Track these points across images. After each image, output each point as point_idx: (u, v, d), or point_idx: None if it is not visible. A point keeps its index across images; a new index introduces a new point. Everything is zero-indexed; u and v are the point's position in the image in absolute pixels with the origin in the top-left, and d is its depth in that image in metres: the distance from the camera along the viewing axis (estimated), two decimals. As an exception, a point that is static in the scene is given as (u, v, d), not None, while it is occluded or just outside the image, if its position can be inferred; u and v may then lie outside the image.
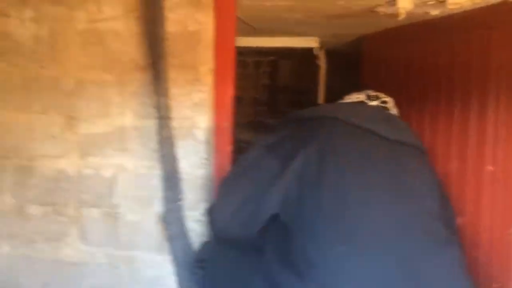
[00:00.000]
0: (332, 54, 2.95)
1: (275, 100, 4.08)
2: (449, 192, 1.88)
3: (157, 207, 1.74)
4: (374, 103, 1.30)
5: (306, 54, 2.86)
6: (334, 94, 2.03)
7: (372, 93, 1.34)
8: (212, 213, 1.29)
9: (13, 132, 1.82)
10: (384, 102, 1.39)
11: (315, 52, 2.71)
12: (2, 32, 1.76)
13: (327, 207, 1.06)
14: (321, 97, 3.13)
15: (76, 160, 1.80)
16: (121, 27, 1.69)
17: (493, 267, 1.73)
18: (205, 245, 1.45)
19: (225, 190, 1.28)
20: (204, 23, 1.63)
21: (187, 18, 1.63)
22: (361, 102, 1.30)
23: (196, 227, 1.72)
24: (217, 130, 1.71)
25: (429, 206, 1.24)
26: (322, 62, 2.91)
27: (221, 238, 1.32)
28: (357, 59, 2.61)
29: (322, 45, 2.75)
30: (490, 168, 1.73)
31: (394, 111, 1.37)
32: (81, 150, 1.78)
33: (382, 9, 1.83)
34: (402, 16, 1.76)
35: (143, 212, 1.76)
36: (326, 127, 1.19)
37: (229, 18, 1.66)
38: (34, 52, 1.76)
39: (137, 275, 1.78)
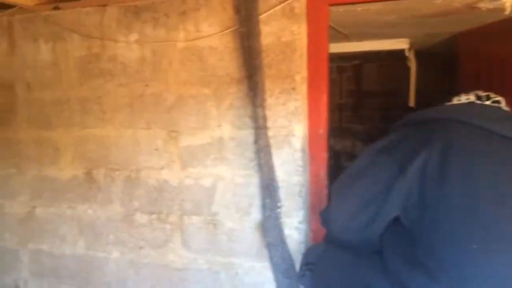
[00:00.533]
0: (422, 54, 2.87)
1: (360, 105, 4.05)
2: None
3: (255, 214, 1.82)
4: (487, 103, 1.25)
5: (394, 56, 2.82)
6: (426, 96, 1.99)
7: (481, 93, 1.29)
8: (328, 217, 1.31)
9: (120, 147, 2.01)
10: (497, 101, 1.33)
11: (406, 53, 2.66)
12: (112, 55, 1.96)
13: (456, 206, 1.04)
14: (411, 99, 3.06)
15: (177, 171, 1.94)
16: (217, 43, 1.80)
17: None
18: (314, 248, 1.49)
19: (340, 193, 1.29)
20: (297, 33, 1.69)
21: (281, 29, 1.70)
22: (472, 103, 1.26)
23: (293, 234, 1.77)
24: (312, 138, 1.76)
25: None
26: (412, 64, 2.84)
27: (334, 241, 1.35)
28: (450, 58, 2.52)
29: (412, 46, 2.69)
30: None
31: (508, 110, 1.31)
32: (182, 161, 1.92)
33: (484, 5, 1.76)
34: (507, 10, 1.69)
35: (241, 220, 1.85)
36: (443, 128, 1.17)
37: (322, 27, 1.71)
38: (139, 72, 1.93)
39: (237, 281, 1.87)
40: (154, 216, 1.99)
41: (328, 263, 1.34)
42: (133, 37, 1.92)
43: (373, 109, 4.01)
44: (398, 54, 2.71)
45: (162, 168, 1.95)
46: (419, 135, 1.16)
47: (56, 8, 2.01)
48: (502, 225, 1.00)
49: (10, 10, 2.04)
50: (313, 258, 1.42)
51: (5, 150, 2.16)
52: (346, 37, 2.53)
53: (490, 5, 1.74)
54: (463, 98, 1.26)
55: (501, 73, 2.09)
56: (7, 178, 2.18)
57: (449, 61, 2.55)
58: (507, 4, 1.64)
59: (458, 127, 1.15)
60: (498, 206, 1.01)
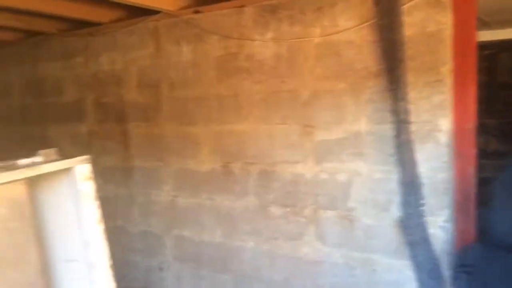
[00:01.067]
0: None
1: (495, 98, 3.74)
2: None
3: (394, 211, 1.81)
4: None
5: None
6: None
7: None
8: (494, 219, 1.29)
9: (256, 141, 2.12)
10: None
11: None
12: (248, 54, 2.07)
13: None
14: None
15: (312, 165, 1.99)
16: (354, 37, 1.81)
17: None
18: (470, 250, 1.45)
19: (503, 199, 1.25)
20: (443, 23, 1.64)
21: (426, 19, 1.66)
22: None
23: (438, 233, 1.73)
24: (458, 133, 1.69)
25: None
26: None
27: (496, 243, 1.31)
28: None
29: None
30: None
31: None
32: (317, 156, 1.97)
33: None
34: None
35: (379, 216, 1.85)
36: None
37: (470, 15, 1.63)
38: (275, 69, 2.02)
39: (374, 277, 1.88)
40: (288, 209, 2.08)
41: (489, 265, 1.30)
42: (269, 35, 2.02)
43: (508, 103, 3.69)
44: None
45: (297, 162, 2.03)
46: None
47: (196, 11, 2.18)
48: None
49: (155, 16, 2.27)
50: (471, 260, 1.38)
51: (153, 144, 2.41)
52: (486, 25, 2.37)
53: None
54: None
55: None
56: (155, 170, 2.43)
57: None
58: None
59: None
60: None
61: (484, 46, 3.55)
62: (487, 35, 2.58)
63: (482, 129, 3.87)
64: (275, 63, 2.02)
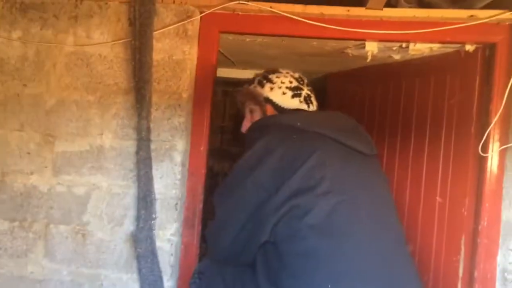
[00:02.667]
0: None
1: (240, 128, 4.37)
2: (403, 220, 2.21)
3: (128, 226, 1.93)
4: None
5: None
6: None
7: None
8: (211, 243, 1.56)
9: (-14, 146, 1.98)
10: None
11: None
12: (-12, 48, 1.96)
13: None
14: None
15: (49, 177, 1.96)
16: (107, 52, 1.92)
17: (440, 292, 2.03)
18: (205, 259, 1.69)
19: (221, 219, 1.52)
20: (188, 53, 1.90)
21: (174, 48, 1.89)
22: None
23: (165, 246, 1.91)
24: (193, 154, 1.96)
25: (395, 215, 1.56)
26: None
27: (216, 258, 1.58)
28: (323, 93, 2.98)
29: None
30: (439, 199, 2.07)
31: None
32: (56, 167, 1.96)
33: (351, 51, 2.17)
34: (369, 58, 2.11)
35: (113, 231, 1.93)
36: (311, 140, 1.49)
37: (211, 51, 1.94)
38: (18, 70, 1.96)
39: (101, 293, 1.95)
40: (16, 223, 1.97)
41: (214, 273, 1.55)
42: (17, 34, 1.95)
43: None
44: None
45: (32, 173, 1.96)
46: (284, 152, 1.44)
47: None
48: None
49: None
50: (203, 268, 1.61)
51: None
52: (233, 64, 2.82)
53: (356, 52, 2.15)
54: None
55: (358, 111, 2.56)
56: None
57: (322, 96, 3.02)
58: (369, 53, 2.06)
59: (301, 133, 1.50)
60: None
61: (236, 83, 4.16)
62: (237, 73, 3.03)
63: (229, 155, 4.46)
64: (20, 65, 1.96)
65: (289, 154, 1.43)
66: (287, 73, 1.78)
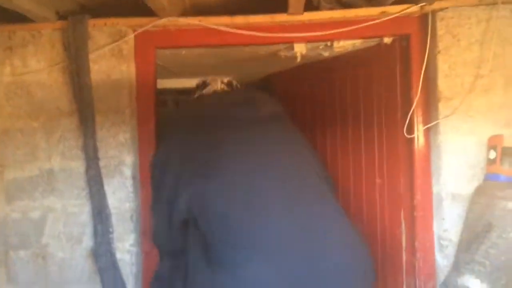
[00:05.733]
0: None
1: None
2: (350, 203, 2.40)
3: (87, 242, 2.01)
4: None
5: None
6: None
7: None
8: (154, 241, 1.74)
9: None
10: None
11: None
12: None
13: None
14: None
15: (3, 205, 2.03)
16: (46, 78, 2.00)
17: (387, 265, 2.23)
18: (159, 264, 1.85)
19: (154, 216, 1.71)
20: (126, 71, 2.00)
21: (111, 68, 1.99)
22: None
23: (125, 257, 2.01)
24: (143, 166, 2.06)
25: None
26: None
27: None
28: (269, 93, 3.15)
29: (239, 82, 3.25)
30: (378, 180, 2.26)
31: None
32: (8, 195, 2.02)
33: (282, 53, 2.33)
34: (298, 59, 2.27)
35: (73, 248, 2.02)
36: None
37: (149, 67, 2.06)
38: (-42, 104, 2.00)
39: (67, 311, 2.02)
40: (-25, 254, 2.03)
41: (172, 271, 1.71)
42: (-50, 68, 2.00)
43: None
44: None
45: (-16, 203, 2.02)
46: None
47: None
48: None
49: None
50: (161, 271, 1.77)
51: None
52: (178, 74, 2.93)
53: (288, 54, 2.31)
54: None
55: (301, 107, 2.72)
56: None
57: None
58: (298, 54, 2.22)
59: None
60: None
61: (186, 91, 4.28)
62: (183, 83, 3.14)
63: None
64: (-41, 98, 2.01)
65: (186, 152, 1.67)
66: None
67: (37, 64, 2.00)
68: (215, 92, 1.90)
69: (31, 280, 2.03)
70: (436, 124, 1.95)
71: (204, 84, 1.94)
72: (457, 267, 1.48)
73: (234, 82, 1.99)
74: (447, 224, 1.94)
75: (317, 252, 1.47)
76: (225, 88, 1.91)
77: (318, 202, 1.63)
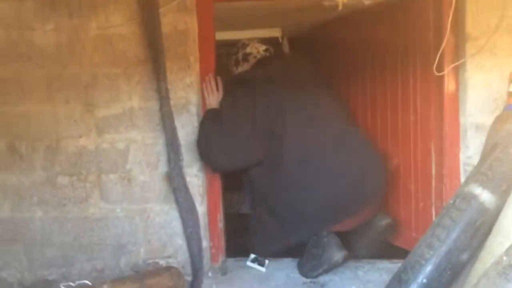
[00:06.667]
0: (293, 40, 3.73)
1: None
2: (387, 140, 2.70)
3: (162, 168, 2.46)
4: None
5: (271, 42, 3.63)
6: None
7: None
8: (209, 155, 2.39)
9: (40, 120, 2.51)
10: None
11: (280, 40, 3.50)
12: (30, 41, 2.45)
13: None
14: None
15: (95, 138, 2.50)
16: (125, 31, 2.40)
17: (419, 191, 2.53)
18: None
19: (216, 138, 2.37)
20: (190, 23, 2.37)
21: (177, 20, 2.36)
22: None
23: (193, 180, 2.45)
24: (204, 105, 2.46)
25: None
26: (285, 47, 3.68)
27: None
28: (313, 43, 3.43)
29: (284, 34, 3.53)
30: (412, 117, 2.53)
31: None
32: (99, 129, 2.49)
33: (326, 2, 2.59)
34: (340, 7, 2.53)
35: (151, 173, 2.48)
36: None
37: (208, 19, 2.41)
38: (56, 56, 2.46)
39: (149, 222, 2.50)
40: (75, 177, 2.53)
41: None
42: (50, 26, 2.44)
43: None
44: (274, 41, 3.51)
45: (80, 137, 2.50)
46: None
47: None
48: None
49: None
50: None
51: None
52: (232, 26, 3.26)
53: (330, 3, 2.57)
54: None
55: (343, 57, 3.00)
56: None
57: (312, 46, 3.48)
58: (339, 3, 2.48)
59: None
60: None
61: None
62: (237, 35, 3.46)
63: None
64: (56, 51, 2.46)
65: (260, 100, 2.44)
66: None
67: (117, 19, 2.40)
68: (259, 62, 2.70)
69: (119, 198, 2.52)
70: (463, 62, 2.18)
71: (243, 45, 2.76)
72: (466, 180, 1.77)
73: (271, 49, 2.73)
74: (470, 151, 2.21)
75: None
76: (266, 54, 2.67)
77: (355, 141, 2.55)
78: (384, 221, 2.50)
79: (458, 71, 2.26)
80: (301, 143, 2.38)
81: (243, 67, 2.79)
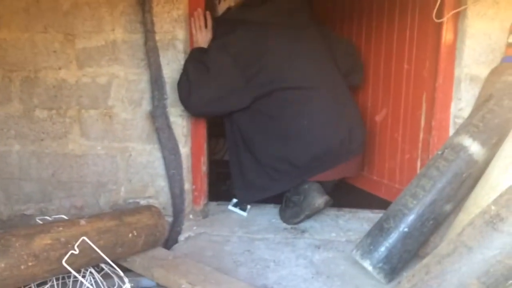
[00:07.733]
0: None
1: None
2: (378, 88, 2.65)
3: (145, 106, 2.39)
4: None
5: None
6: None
7: None
8: (189, 100, 2.28)
9: (17, 49, 2.39)
10: None
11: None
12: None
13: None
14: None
15: (75, 70, 2.40)
16: (109, -44, 2.26)
17: (406, 143, 2.52)
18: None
19: (200, 83, 2.23)
20: (179, -48, 2.23)
21: (165, -51, 2.23)
22: None
23: (177, 120, 2.39)
24: (192, 41, 2.36)
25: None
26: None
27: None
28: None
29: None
30: (406, 66, 2.48)
31: None
32: (79, 62, 2.39)
33: None
34: None
35: (134, 111, 2.40)
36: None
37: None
38: (34, -21, 2.31)
39: (131, 161, 2.46)
40: (54, 111, 2.45)
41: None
42: None
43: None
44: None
45: (60, 68, 2.40)
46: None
47: None
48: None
49: None
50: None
51: None
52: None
53: None
54: None
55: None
56: None
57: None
58: None
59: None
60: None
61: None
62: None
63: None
64: (34, -26, 2.31)
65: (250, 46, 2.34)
66: None
67: None
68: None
69: (100, 135, 2.45)
70: (464, 9, 2.11)
71: None
72: (456, 131, 1.75)
73: None
74: (462, 103, 2.17)
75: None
76: None
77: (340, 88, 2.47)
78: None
79: (457, 20, 2.19)
80: (294, 93, 2.30)
81: (226, 2, 2.65)
